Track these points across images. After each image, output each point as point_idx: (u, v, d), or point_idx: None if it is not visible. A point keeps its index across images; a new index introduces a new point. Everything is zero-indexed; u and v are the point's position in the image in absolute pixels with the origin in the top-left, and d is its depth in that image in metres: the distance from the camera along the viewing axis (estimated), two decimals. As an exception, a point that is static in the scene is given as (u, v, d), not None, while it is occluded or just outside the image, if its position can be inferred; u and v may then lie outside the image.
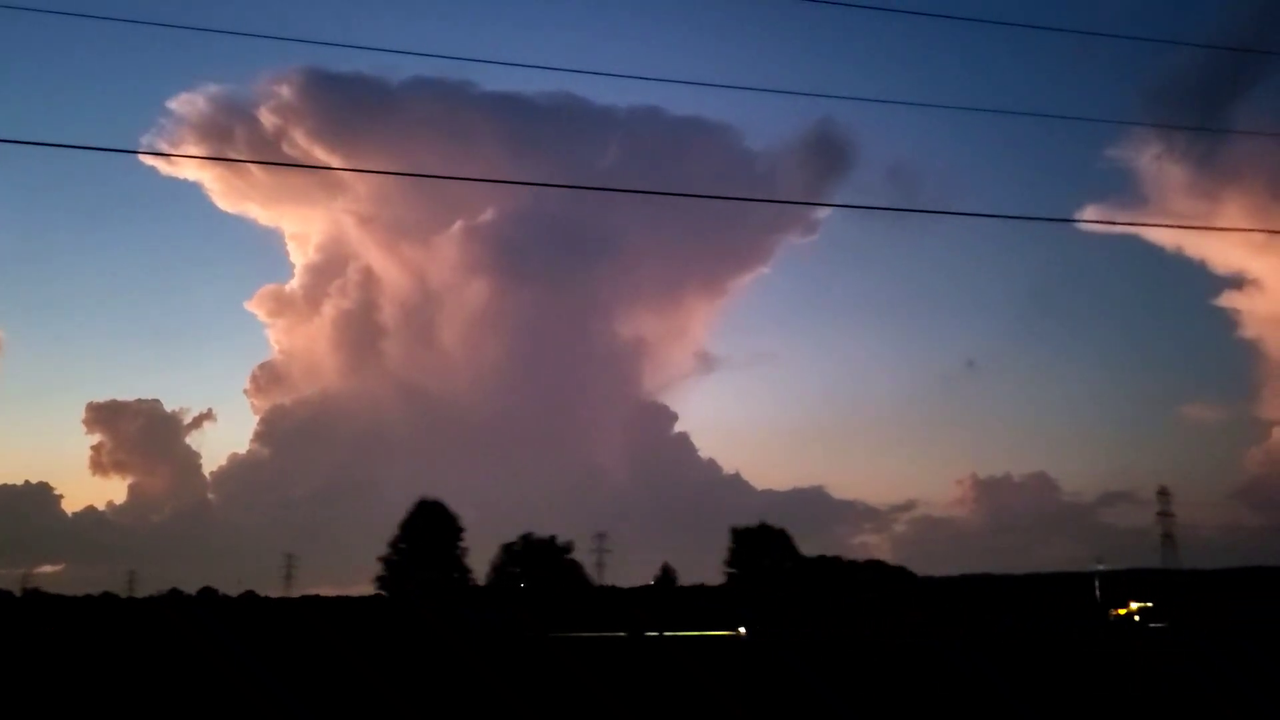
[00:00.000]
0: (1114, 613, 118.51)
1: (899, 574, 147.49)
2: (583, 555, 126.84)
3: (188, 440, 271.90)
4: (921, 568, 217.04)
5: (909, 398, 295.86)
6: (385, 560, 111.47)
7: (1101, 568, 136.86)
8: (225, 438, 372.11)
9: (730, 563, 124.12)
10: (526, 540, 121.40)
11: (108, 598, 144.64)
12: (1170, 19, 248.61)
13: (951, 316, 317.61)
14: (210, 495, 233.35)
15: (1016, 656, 47.88)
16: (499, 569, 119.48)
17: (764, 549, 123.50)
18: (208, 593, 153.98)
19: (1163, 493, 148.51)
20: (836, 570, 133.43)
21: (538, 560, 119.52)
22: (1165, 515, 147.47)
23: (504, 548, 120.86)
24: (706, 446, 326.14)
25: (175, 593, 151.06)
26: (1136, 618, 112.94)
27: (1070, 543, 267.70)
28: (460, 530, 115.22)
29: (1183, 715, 27.83)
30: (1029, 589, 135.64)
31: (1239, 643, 45.13)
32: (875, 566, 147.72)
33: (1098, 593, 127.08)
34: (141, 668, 41.62)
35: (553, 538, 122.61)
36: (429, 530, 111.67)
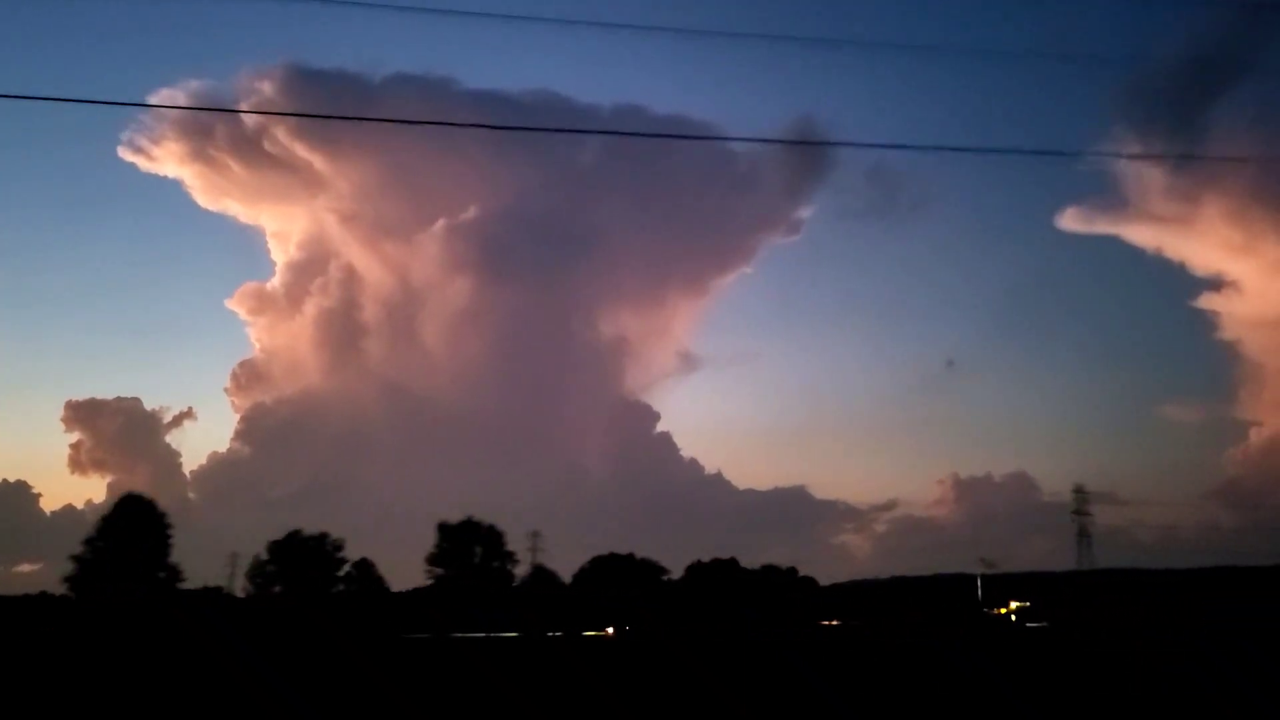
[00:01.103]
0: (995, 612, 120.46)
1: (803, 582, 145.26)
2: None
3: (168, 439, 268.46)
4: (902, 568, 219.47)
5: (891, 398, 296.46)
6: (78, 559, 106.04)
7: (991, 571, 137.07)
8: (206, 436, 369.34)
9: (434, 560, 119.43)
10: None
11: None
12: (1146, 23, 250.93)
13: (933, 317, 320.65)
14: (191, 494, 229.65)
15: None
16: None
17: (470, 546, 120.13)
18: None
19: (1079, 491, 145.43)
20: (731, 575, 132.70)
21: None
22: (1081, 514, 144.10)
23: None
24: (688, 446, 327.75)
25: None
26: (1013, 617, 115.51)
27: (1050, 542, 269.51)
28: (168, 527, 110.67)
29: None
30: (927, 591, 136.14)
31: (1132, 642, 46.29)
32: (770, 570, 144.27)
33: (980, 593, 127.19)
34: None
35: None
36: (132, 528, 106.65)
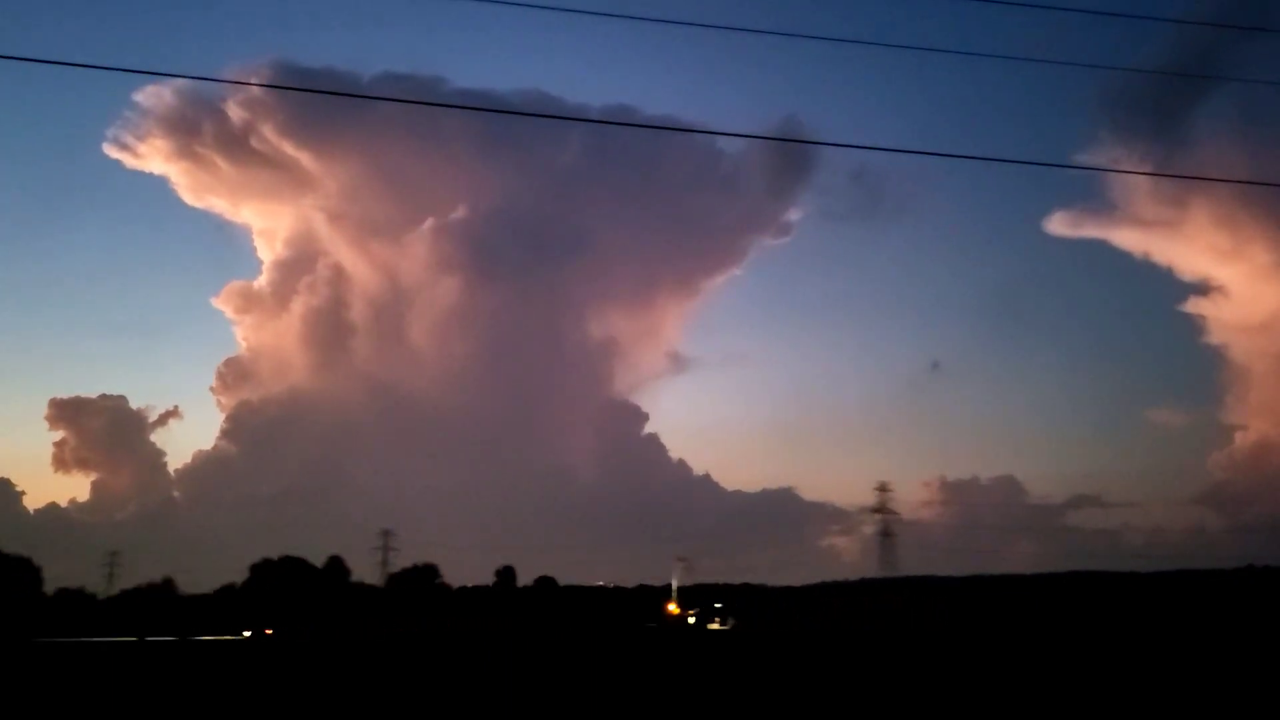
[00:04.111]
0: (678, 614, 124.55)
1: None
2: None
3: (153, 437, 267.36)
4: (888, 570, 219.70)
5: (879, 400, 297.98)
6: None
7: (602, 583, 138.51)
8: (191, 435, 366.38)
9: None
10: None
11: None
12: (1131, 28, 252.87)
13: (922, 320, 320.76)
14: (175, 493, 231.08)
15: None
16: None
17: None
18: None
19: (882, 488, 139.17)
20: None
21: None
22: (884, 512, 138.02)
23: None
24: (677, 447, 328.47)
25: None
26: (691, 619, 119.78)
27: (1037, 545, 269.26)
28: None
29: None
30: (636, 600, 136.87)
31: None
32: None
33: (674, 596, 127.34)
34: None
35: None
36: None
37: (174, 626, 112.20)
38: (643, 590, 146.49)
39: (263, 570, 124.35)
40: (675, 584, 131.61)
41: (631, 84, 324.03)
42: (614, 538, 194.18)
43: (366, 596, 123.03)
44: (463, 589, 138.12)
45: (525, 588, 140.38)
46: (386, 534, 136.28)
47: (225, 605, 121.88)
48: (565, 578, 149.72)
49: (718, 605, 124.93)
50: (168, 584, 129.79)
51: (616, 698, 30.67)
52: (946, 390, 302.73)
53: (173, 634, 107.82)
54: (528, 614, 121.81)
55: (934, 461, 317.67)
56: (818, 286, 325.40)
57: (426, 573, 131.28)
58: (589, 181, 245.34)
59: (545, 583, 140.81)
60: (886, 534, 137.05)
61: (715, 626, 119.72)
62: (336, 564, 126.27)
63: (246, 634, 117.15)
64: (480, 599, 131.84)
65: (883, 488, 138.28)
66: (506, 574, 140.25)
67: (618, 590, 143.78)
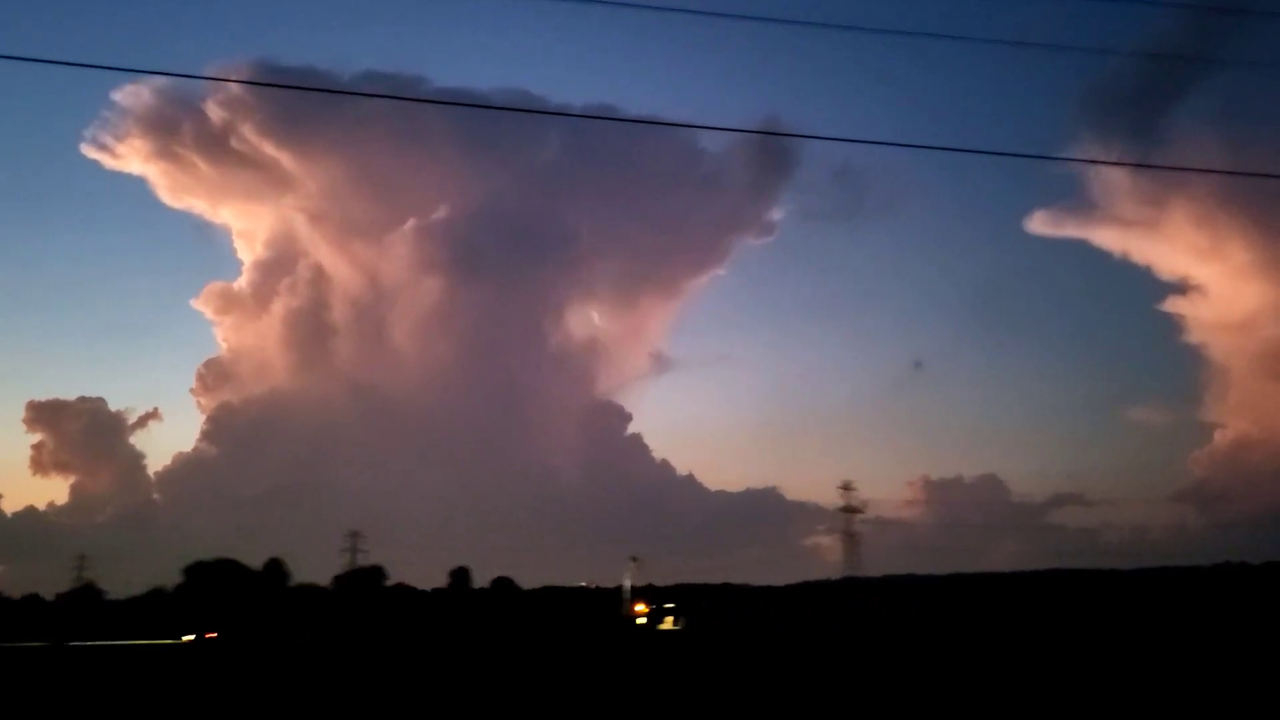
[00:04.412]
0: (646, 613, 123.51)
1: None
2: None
3: (132, 440, 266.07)
4: (871, 569, 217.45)
5: (863, 399, 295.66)
6: None
7: (584, 583, 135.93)
8: (171, 437, 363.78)
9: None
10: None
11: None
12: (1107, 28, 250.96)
13: (905, 319, 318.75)
14: (155, 495, 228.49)
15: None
16: None
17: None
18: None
19: (846, 487, 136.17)
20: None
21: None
22: (850, 511, 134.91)
23: None
24: (660, 447, 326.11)
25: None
26: (641, 620, 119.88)
27: (1020, 544, 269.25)
28: None
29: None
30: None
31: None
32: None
33: (626, 597, 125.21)
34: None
35: None
36: None
37: (100, 631, 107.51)
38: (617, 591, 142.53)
39: (196, 573, 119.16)
40: (628, 584, 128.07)
41: (614, 83, 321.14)
42: (596, 539, 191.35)
43: (311, 599, 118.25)
44: (410, 590, 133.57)
45: (480, 590, 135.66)
46: (354, 535, 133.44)
47: (155, 609, 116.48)
48: (550, 579, 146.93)
49: (668, 605, 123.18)
50: (89, 588, 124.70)
51: (542, 697, 30.43)
52: (929, 389, 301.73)
53: (100, 638, 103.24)
54: (482, 616, 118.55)
55: (917, 461, 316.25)
56: (801, 286, 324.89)
57: (374, 574, 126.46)
58: (571, 181, 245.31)
59: (502, 584, 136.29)
60: (850, 533, 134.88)
61: (667, 626, 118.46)
62: (276, 566, 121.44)
63: (188, 638, 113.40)
64: (434, 601, 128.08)
65: (847, 486, 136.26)
66: (460, 575, 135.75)
67: (579, 590, 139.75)
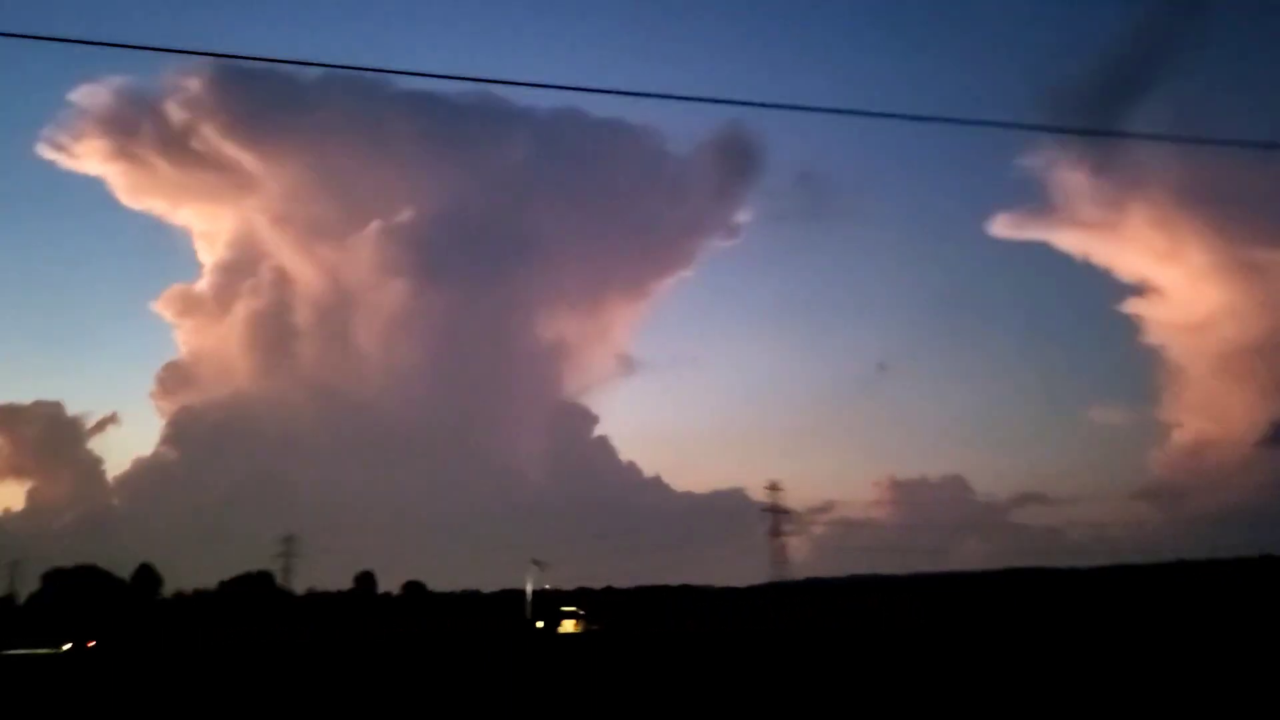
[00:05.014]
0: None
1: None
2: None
3: (90, 444, 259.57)
4: (836, 570, 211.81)
5: (828, 400, 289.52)
6: None
7: (546, 586, 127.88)
8: (131, 442, 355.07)
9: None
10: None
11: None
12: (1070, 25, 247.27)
13: (869, 320, 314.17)
14: (114, 500, 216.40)
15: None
16: None
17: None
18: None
19: (773, 487, 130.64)
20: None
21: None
22: (776, 510, 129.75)
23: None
24: (627, 449, 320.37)
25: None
26: (540, 625, 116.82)
27: (984, 543, 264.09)
28: None
29: None
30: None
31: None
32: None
33: (528, 607, 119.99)
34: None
35: None
36: None
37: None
38: (583, 593, 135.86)
39: (56, 580, 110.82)
40: (529, 588, 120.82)
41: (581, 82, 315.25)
42: (557, 541, 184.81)
43: (192, 606, 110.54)
44: (313, 593, 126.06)
45: (388, 594, 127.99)
46: (289, 540, 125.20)
47: (7, 618, 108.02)
48: (508, 584, 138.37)
49: (567, 609, 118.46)
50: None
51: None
52: (894, 390, 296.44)
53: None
54: (386, 621, 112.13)
55: (883, 461, 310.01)
56: (766, 287, 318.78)
57: (261, 579, 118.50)
58: (536, 183, 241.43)
59: (413, 588, 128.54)
60: (775, 533, 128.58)
61: (568, 629, 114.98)
62: (146, 573, 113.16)
63: (66, 646, 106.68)
64: (338, 605, 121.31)
65: (774, 486, 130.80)
66: (365, 579, 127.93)
67: (496, 595, 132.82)
